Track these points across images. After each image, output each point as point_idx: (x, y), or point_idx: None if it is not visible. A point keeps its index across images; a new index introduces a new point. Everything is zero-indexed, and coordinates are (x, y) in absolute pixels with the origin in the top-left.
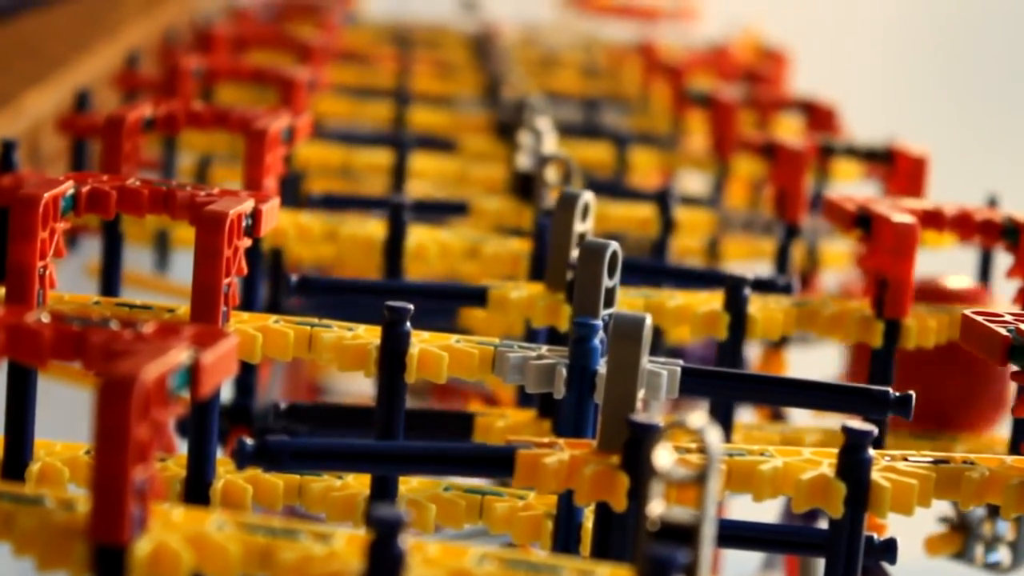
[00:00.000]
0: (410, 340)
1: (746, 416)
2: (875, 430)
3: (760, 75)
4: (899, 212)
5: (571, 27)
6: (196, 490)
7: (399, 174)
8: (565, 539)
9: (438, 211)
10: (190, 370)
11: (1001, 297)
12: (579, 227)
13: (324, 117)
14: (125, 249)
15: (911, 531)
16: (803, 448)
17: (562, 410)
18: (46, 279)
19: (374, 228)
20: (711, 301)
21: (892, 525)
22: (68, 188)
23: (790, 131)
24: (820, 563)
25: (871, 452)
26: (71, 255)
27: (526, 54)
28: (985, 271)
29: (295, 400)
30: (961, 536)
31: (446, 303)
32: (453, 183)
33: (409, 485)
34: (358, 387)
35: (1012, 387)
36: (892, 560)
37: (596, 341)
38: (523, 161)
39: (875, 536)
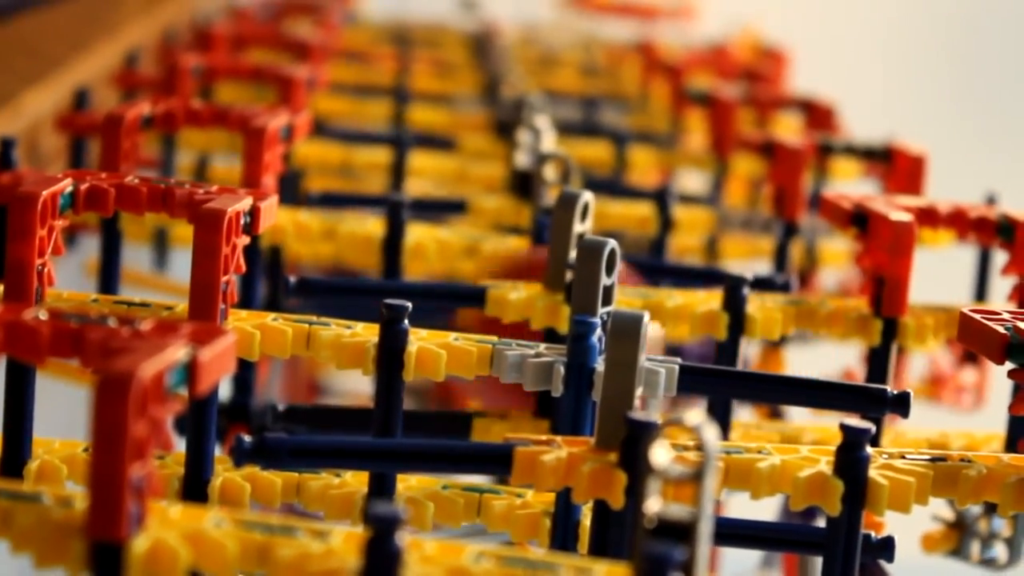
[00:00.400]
0: (408, 338)
1: (744, 415)
2: (872, 428)
3: (759, 74)
4: (894, 210)
5: (570, 26)
6: (194, 487)
7: (398, 172)
8: (563, 537)
9: (437, 209)
10: (188, 367)
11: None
12: (578, 227)
13: (323, 115)
14: (123, 247)
15: (907, 529)
16: (801, 446)
17: (560, 408)
18: (44, 277)
19: (373, 226)
20: (710, 300)
21: (888, 523)
22: (67, 186)
23: (789, 130)
24: (818, 561)
25: (869, 450)
26: (70, 253)
27: (525, 53)
28: (982, 268)
29: (293, 398)
30: (957, 533)
31: (444, 303)
32: (452, 181)
33: (407, 483)
34: (356, 385)
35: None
36: (890, 558)
37: (594, 339)
38: (522, 159)
39: (873, 534)
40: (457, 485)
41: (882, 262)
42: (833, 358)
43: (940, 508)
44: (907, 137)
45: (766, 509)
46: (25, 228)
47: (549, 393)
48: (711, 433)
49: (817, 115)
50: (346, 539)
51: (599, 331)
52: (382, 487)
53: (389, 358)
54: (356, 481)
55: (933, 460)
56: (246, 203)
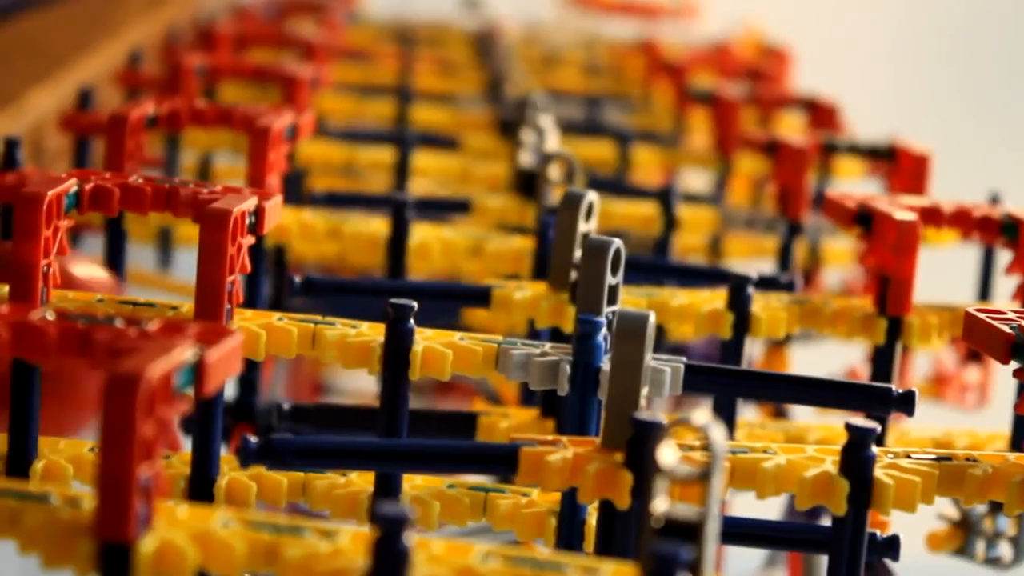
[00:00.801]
0: (414, 337)
1: (748, 414)
2: (878, 427)
3: (762, 73)
4: (898, 209)
5: (573, 25)
6: (200, 487)
7: (402, 172)
8: (569, 536)
9: (441, 209)
10: (195, 367)
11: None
12: (583, 227)
13: (327, 115)
14: (128, 247)
15: (912, 528)
16: (806, 446)
17: (566, 407)
18: (49, 277)
19: (377, 226)
20: (714, 299)
21: (893, 522)
22: (71, 186)
23: (792, 129)
24: (823, 560)
25: (874, 449)
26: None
27: (528, 52)
28: (986, 268)
29: (297, 398)
30: (962, 532)
31: (449, 303)
32: (456, 181)
33: (413, 483)
34: (361, 385)
35: None
36: (895, 557)
37: (600, 338)
38: (526, 159)
39: (878, 533)
40: (463, 484)
41: (886, 261)
42: (837, 357)
43: (945, 507)
44: (911, 136)
45: (770, 508)
46: (30, 228)
47: (555, 392)
48: (718, 433)
49: (820, 114)
50: (354, 539)
51: (604, 330)
52: (388, 487)
53: (395, 357)
54: (362, 481)
55: (938, 459)
56: (251, 203)
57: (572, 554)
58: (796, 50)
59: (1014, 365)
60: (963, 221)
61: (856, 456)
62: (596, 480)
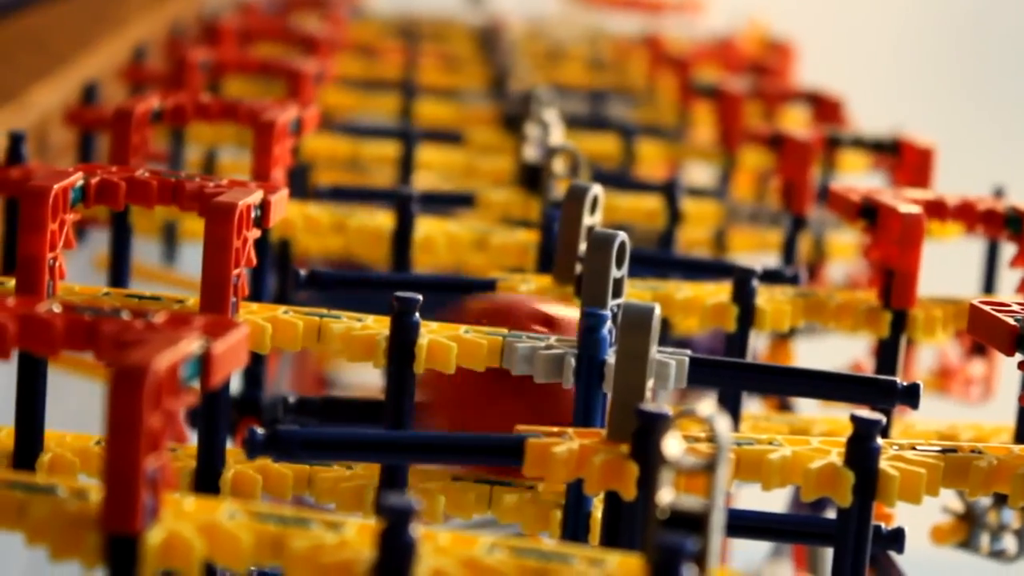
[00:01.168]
0: (419, 330)
1: (753, 408)
2: (883, 419)
3: (766, 67)
4: (902, 202)
5: (577, 20)
6: (206, 480)
7: (406, 166)
8: (574, 528)
9: (445, 203)
10: (201, 360)
11: None
12: (588, 220)
13: (331, 109)
14: (133, 241)
15: (917, 520)
16: (811, 437)
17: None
18: (56, 270)
19: (382, 220)
20: (719, 293)
21: (898, 515)
22: (77, 180)
23: (797, 123)
24: (828, 552)
25: (879, 441)
26: (80, 247)
27: (532, 47)
28: (990, 261)
29: (302, 391)
30: (967, 525)
31: (454, 296)
32: (460, 175)
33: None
34: (367, 379)
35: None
36: (900, 549)
37: (605, 331)
38: (530, 153)
39: (883, 526)
40: (468, 477)
41: (891, 255)
42: (842, 351)
43: (950, 500)
44: (915, 129)
45: (775, 500)
46: (37, 222)
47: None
48: (723, 424)
49: (825, 108)
50: (360, 530)
51: (609, 324)
52: (393, 479)
53: (400, 351)
54: (367, 473)
55: (944, 451)
56: (257, 196)
57: (578, 546)
58: (800, 44)
59: (1019, 357)
60: (967, 214)
61: (861, 448)
62: (602, 471)
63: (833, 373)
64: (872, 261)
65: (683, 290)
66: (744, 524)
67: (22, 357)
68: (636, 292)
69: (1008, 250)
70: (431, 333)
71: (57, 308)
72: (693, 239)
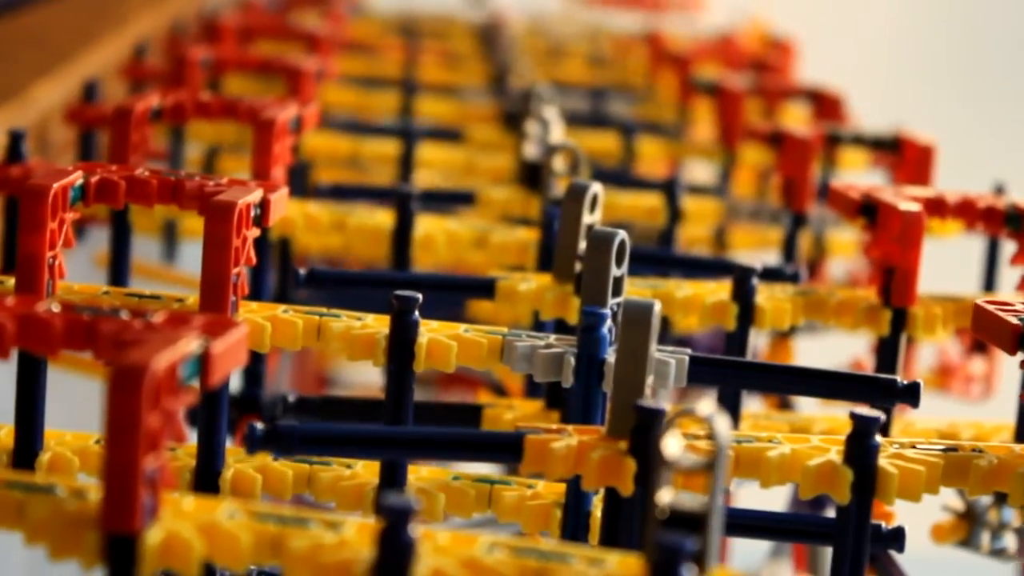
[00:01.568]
0: (419, 329)
1: (754, 406)
2: (882, 417)
3: (767, 64)
4: (902, 200)
5: (577, 17)
6: (206, 479)
7: (406, 164)
8: (574, 527)
9: (445, 201)
10: (200, 359)
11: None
12: (587, 218)
13: (331, 107)
14: (133, 239)
15: (917, 519)
16: (811, 435)
17: (571, 399)
18: (55, 269)
19: (382, 218)
20: (719, 291)
21: (898, 514)
22: (77, 178)
23: (797, 120)
24: (828, 552)
25: (878, 439)
26: (79, 245)
27: (533, 44)
28: (991, 258)
29: (302, 390)
30: (967, 524)
31: (454, 295)
32: (460, 173)
33: (418, 474)
34: (367, 378)
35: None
36: (900, 548)
37: (604, 330)
38: (530, 151)
39: (883, 525)
40: (468, 476)
41: (891, 252)
42: (842, 348)
43: (950, 499)
44: (915, 127)
45: (775, 499)
46: (36, 221)
47: (560, 385)
48: (722, 423)
49: (825, 105)
50: (359, 530)
51: (609, 322)
52: (393, 478)
53: (400, 349)
54: (367, 472)
55: (944, 450)
56: (256, 195)
57: (577, 545)
58: (801, 41)
59: (1021, 356)
60: (967, 212)
61: (860, 445)
62: (600, 467)
63: (833, 372)
64: (872, 259)
65: (683, 288)
66: (743, 523)
67: (22, 356)
68: (636, 290)
69: (1008, 247)
70: (431, 332)
71: (56, 307)
72: (693, 237)
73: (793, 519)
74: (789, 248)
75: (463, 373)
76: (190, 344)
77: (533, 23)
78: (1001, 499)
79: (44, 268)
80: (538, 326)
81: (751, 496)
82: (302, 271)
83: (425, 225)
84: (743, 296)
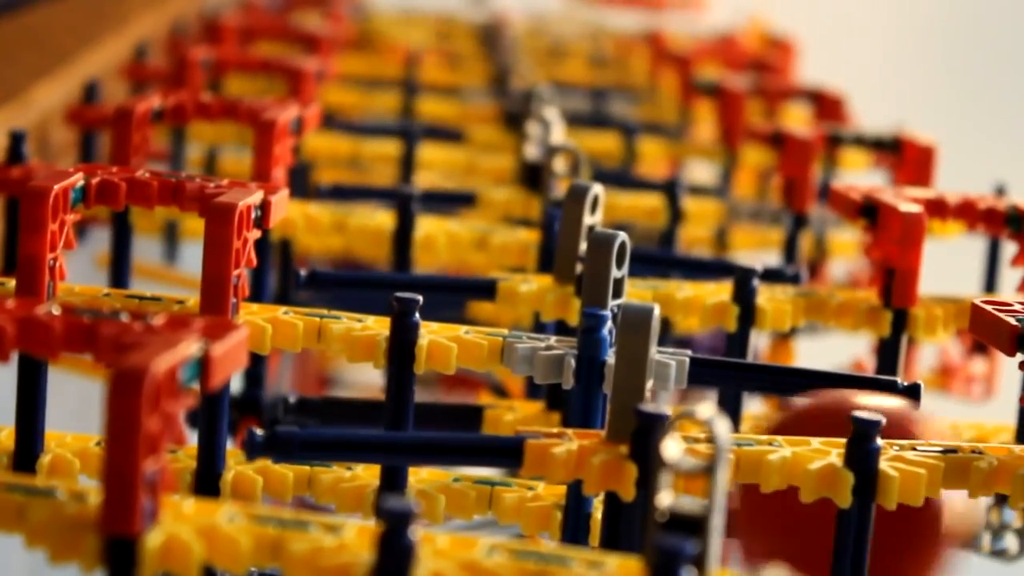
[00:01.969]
0: (419, 331)
1: (754, 407)
2: (883, 419)
3: (768, 64)
4: (903, 201)
5: (578, 17)
6: (206, 481)
7: (407, 164)
8: (574, 530)
9: (446, 202)
10: (200, 362)
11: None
12: (588, 220)
13: (332, 107)
14: (134, 240)
15: None
16: (811, 438)
17: (571, 401)
18: (56, 271)
19: (383, 219)
20: (720, 292)
21: None
22: (78, 180)
23: (798, 120)
24: None
25: (879, 442)
26: (80, 246)
27: (534, 44)
28: (991, 259)
29: (303, 390)
30: None
31: (455, 296)
32: (461, 173)
33: (418, 476)
34: (366, 378)
35: None
36: None
37: (605, 331)
38: (531, 151)
39: None
40: (468, 478)
41: (892, 253)
42: (843, 350)
43: None
44: (916, 127)
45: None
46: (37, 223)
47: (560, 386)
48: (722, 426)
49: (826, 105)
50: (359, 533)
51: (609, 324)
52: (393, 480)
53: (400, 351)
54: (368, 474)
55: (944, 452)
56: (257, 197)
57: (577, 548)
58: (802, 41)
59: (1020, 357)
60: (968, 213)
61: (861, 448)
62: (601, 472)
63: (834, 373)
64: (873, 260)
65: (684, 289)
66: None
67: (22, 358)
68: (637, 291)
69: (1009, 249)
70: (431, 334)
71: (56, 310)
72: (694, 237)
73: None
74: (790, 249)
75: (464, 374)
76: (190, 347)
77: (534, 23)
78: (1002, 500)
79: (45, 270)
80: (539, 327)
81: None
82: (303, 272)
83: (426, 226)
84: (744, 297)
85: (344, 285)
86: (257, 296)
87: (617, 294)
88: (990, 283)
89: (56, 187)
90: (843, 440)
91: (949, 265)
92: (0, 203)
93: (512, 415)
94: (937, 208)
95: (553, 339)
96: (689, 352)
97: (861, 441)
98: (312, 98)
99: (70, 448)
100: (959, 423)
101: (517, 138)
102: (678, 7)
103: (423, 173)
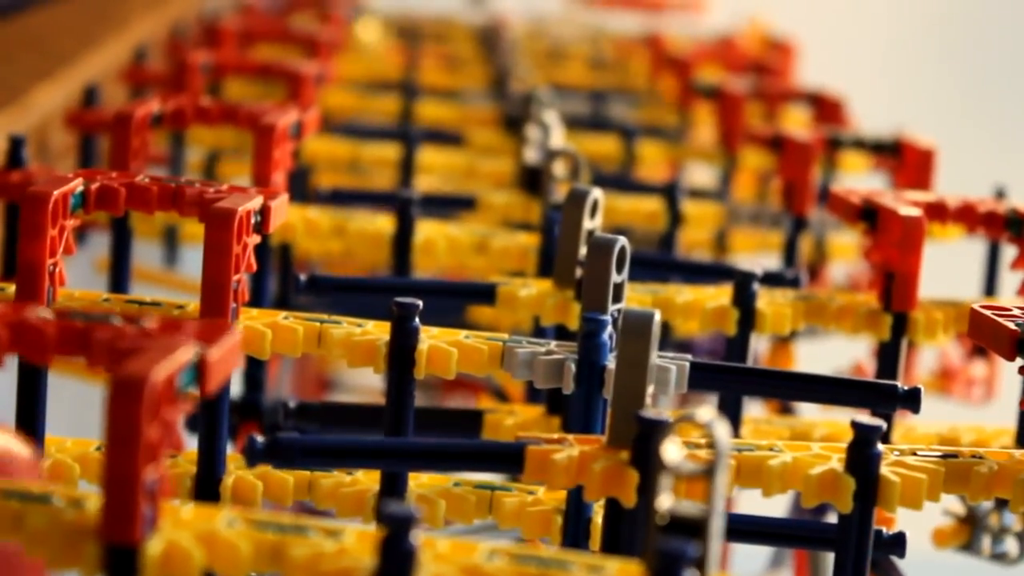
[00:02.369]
0: (419, 336)
1: (755, 410)
2: (884, 425)
3: (767, 67)
4: (903, 204)
5: (578, 19)
6: (206, 486)
7: (407, 168)
8: (575, 534)
9: (446, 205)
10: (197, 367)
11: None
12: (588, 224)
13: (332, 111)
14: (134, 244)
15: (919, 524)
16: (812, 443)
17: (571, 406)
18: (56, 276)
19: (382, 223)
20: (720, 296)
21: (899, 517)
22: (77, 185)
23: (797, 123)
24: (829, 557)
25: (880, 447)
26: (80, 250)
27: (533, 47)
28: (991, 263)
29: (303, 394)
30: (969, 528)
31: (455, 300)
32: (461, 177)
33: (418, 480)
34: (367, 381)
35: None
36: (901, 554)
37: (605, 336)
38: (531, 155)
39: (884, 530)
40: (469, 483)
41: (891, 257)
42: (843, 353)
43: (951, 503)
44: (916, 130)
45: (776, 504)
46: (36, 228)
47: (560, 391)
48: (723, 430)
49: (826, 108)
50: (360, 538)
51: (609, 328)
52: (394, 485)
53: (400, 356)
54: (368, 479)
55: (944, 457)
56: (257, 202)
57: (578, 552)
58: (801, 44)
59: (1020, 362)
60: (968, 216)
61: (862, 454)
62: (602, 478)
63: (834, 378)
64: (873, 263)
65: (684, 293)
66: (744, 529)
67: (22, 363)
68: (636, 295)
69: (1009, 252)
70: (431, 338)
71: (48, 314)
72: (694, 240)
73: (794, 525)
74: (790, 252)
75: (464, 378)
76: (187, 352)
77: (533, 25)
78: (1002, 503)
79: (44, 275)
80: (539, 332)
81: (752, 501)
82: (303, 277)
83: (426, 230)
84: (744, 301)
85: (344, 289)
86: (257, 301)
87: (617, 298)
88: (990, 286)
89: (56, 192)
90: (844, 444)
91: (949, 268)
92: (0, 208)
93: (512, 420)
94: (937, 211)
95: (553, 343)
96: (689, 356)
97: (862, 447)
98: (311, 102)
99: (70, 453)
100: (959, 426)
101: (516, 141)
102: (677, 9)
103: (422, 177)
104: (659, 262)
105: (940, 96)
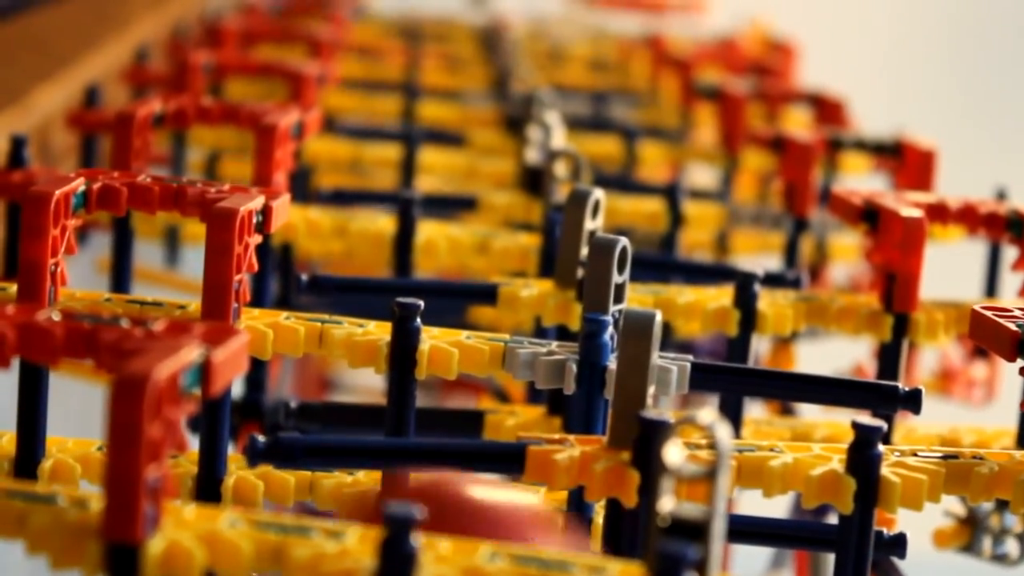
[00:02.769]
0: (420, 336)
1: (756, 411)
2: (884, 426)
3: (768, 68)
4: (904, 206)
5: (579, 20)
6: (208, 486)
7: (408, 168)
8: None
9: (447, 206)
10: (201, 368)
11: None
12: (589, 224)
13: (333, 111)
14: (135, 244)
15: (919, 525)
16: (813, 444)
17: (572, 406)
18: (57, 276)
19: (384, 223)
20: (721, 297)
21: (900, 518)
22: (79, 185)
23: (799, 124)
24: (830, 558)
25: (881, 448)
26: (82, 250)
27: (534, 48)
28: (992, 264)
29: (304, 394)
30: (969, 529)
31: (456, 301)
32: (462, 178)
33: None
34: (368, 382)
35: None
36: (902, 555)
37: (606, 337)
38: (532, 155)
39: (885, 531)
40: None
41: (893, 258)
42: (844, 354)
43: (952, 504)
44: (917, 131)
45: (777, 506)
46: (38, 228)
47: (561, 391)
48: (724, 431)
49: (827, 109)
50: (361, 539)
51: (611, 329)
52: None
53: (402, 356)
54: (369, 479)
55: (945, 457)
56: (258, 202)
57: (579, 553)
58: (803, 45)
59: (1021, 363)
60: (969, 217)
61: (863, 455)
62: (603, 479)
63: (835, 379)
64: (874, 264)
65: (685, 294)
66: (745, 530)
67: (23, 364)
68: (638, 296)
69: (1010, 253)
70: (432, 339)
71: (57, 316)
72: (695, 241)
73: (795, 526)
74: (791, 252)
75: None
76: (191, 353)
77: (535, 26)
78: (1003, 505)
79: (46, 275)
80: (540, 332)
81: (753, 502)
82: (304, 277)
83: (427, 230)
84: (745, 302)
85: (345, 289)
86: (258, 301)
87: (618, 299)
88: (991, 287)
89: (57, 192)
90: (845, 445)
91: (950, 269)
92: (1, 208)
93: (513, 420)
94: (938, 212)
95: (554, 344)
96: (690, 357)
97: (863, 448)
98: (313, 102)
99: (71, 453)
100: (960, 427)
101: (518, 142)
102: (679, 10)
103: (424, 177)
104: (660, 263)
105: (941, 97)
